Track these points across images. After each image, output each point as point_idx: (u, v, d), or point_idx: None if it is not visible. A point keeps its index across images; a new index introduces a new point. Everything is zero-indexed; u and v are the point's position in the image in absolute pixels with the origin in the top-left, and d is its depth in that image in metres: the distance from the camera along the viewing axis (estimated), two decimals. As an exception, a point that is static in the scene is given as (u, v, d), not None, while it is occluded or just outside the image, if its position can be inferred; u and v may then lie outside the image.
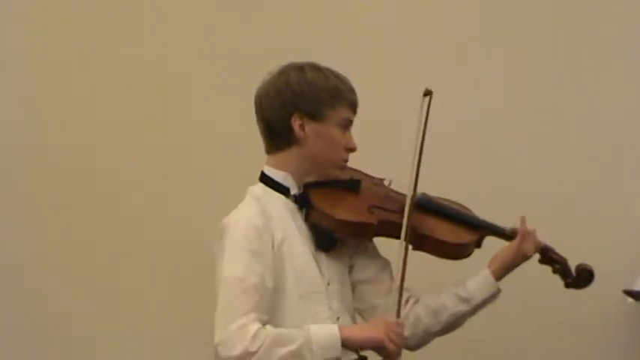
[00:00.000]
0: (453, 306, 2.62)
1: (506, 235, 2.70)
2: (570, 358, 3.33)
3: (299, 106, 2.55)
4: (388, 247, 2.65)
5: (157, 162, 3.57)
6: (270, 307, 2.45)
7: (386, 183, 2.73)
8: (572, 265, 2.74)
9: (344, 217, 2.57)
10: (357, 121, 2.64)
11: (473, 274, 2.66)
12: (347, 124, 2.60)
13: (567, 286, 2.72)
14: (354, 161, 2.67)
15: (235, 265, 2.44)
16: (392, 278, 2.63)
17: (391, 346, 2.44)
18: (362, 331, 2.48)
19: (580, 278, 2.71)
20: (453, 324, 2.65)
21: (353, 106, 2.61)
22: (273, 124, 2.58)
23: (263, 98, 2.60)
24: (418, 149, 2.55)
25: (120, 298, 3.57)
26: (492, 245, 2.73)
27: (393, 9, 3.44)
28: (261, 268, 2.45)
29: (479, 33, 3.41)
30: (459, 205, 2.77)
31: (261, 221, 2.50)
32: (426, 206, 2.68)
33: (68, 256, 3.59)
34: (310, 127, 2.55)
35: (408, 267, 2.50)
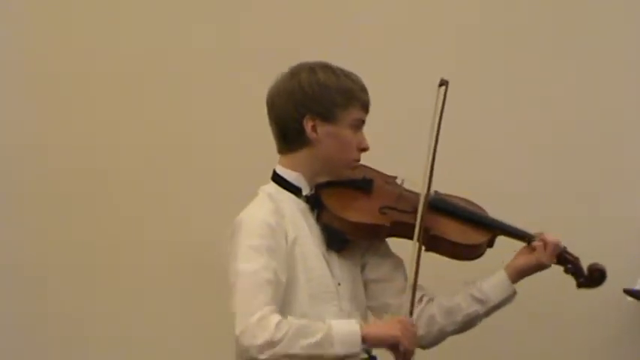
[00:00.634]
0: (467, 307, 2.63)
1: (519, 235, 2.69)
2: (570, 357, 3.33)
3: (311, 108, 2.55)
4: (401, 246, 2.65)
5: (157, 162, 3.56)
6: (282, 302, 2.45)
7: (398, 181, 2.72)
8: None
9: (355, 218, 2.56)
10: (368, 119, 2.63)
11: (485, 272, 2.66)
12: (359, 125, 2.60)
13: (579, 286, 2.71)
14: (366, 159, 2.67)
15: (250, 260, 2.44)
16: (405, 277, 2.63)
17: (407, 345, 2.44)
18: (380, 328, 2.48)
19: (592, 278, 2.70)
20: (467, 324, 2.65)
21: (365, 107, 2.60)
22: (285, 126, 2.58)
23: (275, 100, 2.60)
24: (433, 142, 2.56)
25: (120, 298, 3.56)
26: (505, 244, 2.73)
27: (400, 5, 3.44)
28: (275, 263, 2.45)
29: (483, 33, 3.43)
30: (471, 203, 2.76)
31: (275, 219, 2.50)
32: (438, 206, 2.67)
33: (68, 256, 3.58)
34: (322, 129, 2.55)
35: (420, 265, 2.50)
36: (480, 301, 2.62)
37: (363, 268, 2.69)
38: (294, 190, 2.59)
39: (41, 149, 3.61)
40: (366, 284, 2.69)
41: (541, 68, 3.39)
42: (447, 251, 2.64)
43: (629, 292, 2.88)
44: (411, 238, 2.54)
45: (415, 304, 2.55)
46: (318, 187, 2.62)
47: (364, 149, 2.61)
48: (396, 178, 2.73)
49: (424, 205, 2.55)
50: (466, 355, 3.21)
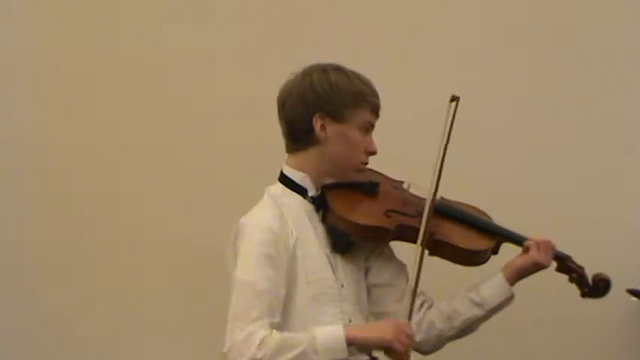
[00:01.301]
0: (466, 311, 2.63)
1: (523, 243, 2.68)
2: (574, 357, 3.35)
3: (321, 107, 2.55)
4: (404, 250, 2.65)
5: (157, 162, 3.56)
6: (281, 309, 2.45)
7: (405, 186, 2.72)
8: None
9: (361, 221, 2.56)
10: (377, 123, 2.64)
11: (487, 277, 2.66)
12: (368, 128, 2.60)
13: (583, 295, 2.71)
14: (374, 163, 2.67)
15: (249, 269, 2.44)
16: (407, 283, 2.63)
17: (400, 348, 2.44)
18: (369, 331, 2.47)
19: (597, 288, 2.70)
20: (466, 329, 2.66)
21: (375, 110, 2.61)
22: (295, 125, 2.58)
23: (286, 99, 2.60)
24: (441, 155, 2.57)
25: (120, 298, 3.56)
26: (508, 251, 2.73)
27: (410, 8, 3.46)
28: (274, 273, 2.45)
29: (483, 33, 3.45)
30: (476, 209, 2.76)
31: (278, 224, 2.49)
32: (443, 211, 2.67)
33: (68, 256, 3.57)
34: (331, 128, 2.56)
35: (422, 269, 2.51)
36: (479, 305, 2.62)
37: (366, 272, 2.69)
38: (301, 191, 2.59)
39: (41, 149, 3.60)
40: (368, 289, 2.69)
41: (541, 69, 3.40)
42: (450, 256, 2.64)
43: (633, 292, 2.89)
44: (415, 242, 2.54)
45: (416, 309, 2.55)
46: (325, 189, 2.62)
47: (372, 153, 2.61)
48: (402, 182, 2.74)
49: (430, 209, 2.55)
50: (469, 354, 3.21)
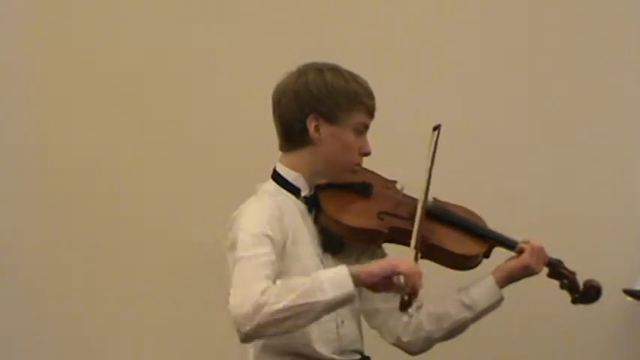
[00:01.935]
0: (456, 313, 2.62)
1: (515, 248, 2.67)
2: (571, 357, 3.34)
3: (316, 108, 2.53)
4: (398, 251, 2.62)
5: (157, 162, 3.56)
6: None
7: (398, 187, 2.70)
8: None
9: (353, 223, 2.54)
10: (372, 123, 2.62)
11: (477, 280, 2.65)
12: (363, 129, 2.58)
13: (574, 301, 2.71)
14: (368, 164, 2.66)
15: (249, 247, 2.39)
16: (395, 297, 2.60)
17: (409, 270, 2.34)
18: (372, 264, 2.39)
19: (588, 294, 2.69)
20: (455, 330, 2.65)
21: (370, 112, 2.58)
22: (289, 124, 2.56)
23: (281, 98, 2.58)
24: (426, 180, 2.57)
25: (120, 298, 3.56)
26: (500, 254, 2.72)
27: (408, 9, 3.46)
28: (273, 250, 2.40)
29: (483, 33, 3.44)
30: (468, 211, 2.75)
31: (275, 213, 2.48)
32: (436, 214, 2.66)
33: (68, 256, 3.58)
34: (325, 129, 2.54)
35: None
36: (468, 307, 2.61)
37: None
38: (293, 190, 2.58)
39: (41, 149, 3.61)
40: (360, 289, 2.61)
41: (540, 68, 3.40)
42: (443, 260, 2.62)
43: (630, 293, 2.89)
44: (407, 244, 2.51)
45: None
46: (318, 189, 2.60)
47: (366, 154, 2.59)
48: (396, 182, 2.72)
49: (421, 217, 2.53)
50: (465, 356, 3.21)
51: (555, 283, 2.72)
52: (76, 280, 3.58)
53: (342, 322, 2.55)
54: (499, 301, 2.63)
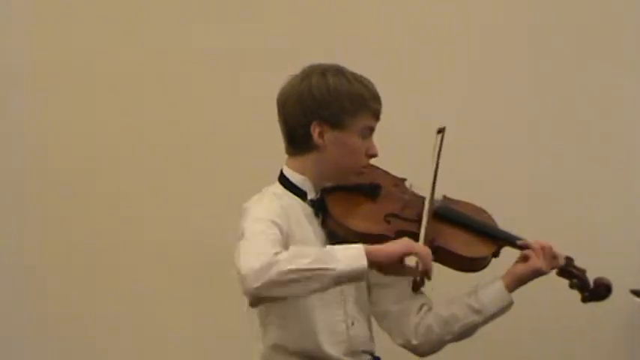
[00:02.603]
0: (464, 317, 2.60)
1: (524, 248, 2.65)
2: (579, 358, 3.35)
3: (319, 114, 2.50)
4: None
5: (157, 162, 3.56)
6: None
7: (407, 185, 2.67)
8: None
9: (359, 228, 2.51)
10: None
11: (485, 279, 2.64)
12: (368, 132, 2.55)
13: (584, 300, 2.68)
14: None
15: (259, 226, 2.36)
16: (408, 283, 2.55)
17: (422, 251, 2.35)
18: (386, 245, 2.36)
19: (598, 292, 2.67)
20: (464, 333, 2.63)
21: (376, 115, 2.55)
22: (293, 129, 2.54)
23: (286, 102, 2.55)
24: (432, 181, 2.55)
25: (120, 298, 3.56)
26: (510, 253, 2.71)
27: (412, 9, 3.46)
28: (280, 234, 2.38)
29: (483, 32, 3.44)
30: (478, 209, 2.72)
31: (279, 215, 2.45)
32: (444, 215, 2.63)
33: (68, 256, 3.57)
34: (330, 135, 2.51)
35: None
36: (477, 312, 2.60)
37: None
38: (300, 193, 2.56)
39: (41, 149, 3.60)
40: (368, 288, 2.65)
41: (541, 68, 3.41)
42: (451, 263, 2.59)
43: (637, 293, 2.88)
44: None
45: (415, 311, 2.52)
46: (324, 192, 2.58)
47: (373, 155, 2.56)
48: (405, 180, 2.68)
49: (428, 221, 2.50)
50: (472, 355, 3.21)
51: (563, 283, 2.70)
52: (76, 280, 3.57)
53: (353, 323, 2.55)
54: (508, 306, 2.62)
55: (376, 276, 2.61)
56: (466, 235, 2.63)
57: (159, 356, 3.55)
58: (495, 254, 2.66)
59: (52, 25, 3.61)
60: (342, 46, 3.35)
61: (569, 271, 2.67)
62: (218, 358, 3.47)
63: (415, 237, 2.48)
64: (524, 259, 2.63)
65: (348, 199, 2.58)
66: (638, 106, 3.38)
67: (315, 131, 2.51)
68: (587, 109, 3.40)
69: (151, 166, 3.57)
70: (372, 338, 2.63)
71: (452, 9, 3.46)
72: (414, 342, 2.61)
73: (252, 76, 3.44)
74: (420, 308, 2.63)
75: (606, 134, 3.38)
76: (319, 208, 2.56)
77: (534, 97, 3.41)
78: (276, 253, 2.26)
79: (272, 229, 2.38)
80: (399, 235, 2.52)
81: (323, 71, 2.53)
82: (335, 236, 2.54)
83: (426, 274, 2.36)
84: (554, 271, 2.68)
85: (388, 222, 2.56)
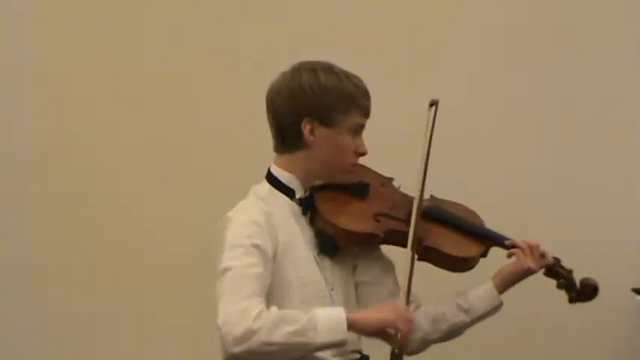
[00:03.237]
0: (453, 316, 2.60)
1: (511, 248, 2.65)
2: (579, 356, 3.32)
3: (310, 111, 2.49)
4: (395, 253, 2.63)
5: (157, 162, 3.57)
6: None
7: (395, 184, 2.67)
8: (581, 272, 2.70)
9: (349, 226, 2.51)
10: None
11: (475, 280, 2.64)
12: (358, 129, 2.54)
13: (571, 300, 2.68)
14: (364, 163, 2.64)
15: (237, 257, 2.38)
16: (395, 281, 2.61)
17: (403, 328, 2.37)
18: (369, 313, 2.39)
19: (584, 293, 2.67)
20: (452, 333, 2.63)
21: (366, 112, 2.54)
22: (283, 126, 2.53)
23: (275, 98, 2.54)
24: (424, 161, 2.52)
25: (120, 298, 3.56)
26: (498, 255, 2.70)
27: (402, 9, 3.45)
28: (262, 261, 2.39)
29: (483, 32, 3.44)
30: (466, 209, 2.72)
31: (264, 219, 2.45)
32: (433, 215, 2.62)
33: (68, 256, 3.58)
34: (320, 132, 2.50)
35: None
36: (466, 311, 2.59)
37: (353, 270, 2.65)
38: (288, 192, 2.55)
39: (42, 149, 3.61)
40: (356, 286, 2.64)
41: (541, 68, 3.40)
42: (439, 262, 2.60)
43: (638, 291, 2.87)
44: (404, 246, 2.49)
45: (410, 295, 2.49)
46: (313, 190, 2.57)
47: (362, 154, 2.56)
48: (392, 179, 2.69)
49: (417, 219, 2.49)
50: (474, 355, 3.21)
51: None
52: (76, 280, 3.58)
53: None
54: (498, 307, 2.61)
55: (363, 274, 2.65)
56: (454, 234, 2.63)
57: (159, 356, 3.55)
58: (484, 254, 2.66)
59: (52, 25, 3.62)
60: (341, 47, 3.35)
61: (556, 271, 2.67)
62: (218, 358, 3.46)
63: (405, 236, 2.49)
64: (512, 258, 2.63)
65: (337, 198, 2.57)
66: (639, 106, 3.35)
67: (305, 128, 2.50)
68: (587, 110, 3.38)
69: (151, 166, 3.57)
70: (359, 337, 2.59)
71: (452, 9, 3.44)
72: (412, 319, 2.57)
73: (252, 76, 3.42)
74: (409, 306, 2.59)
75: (607, 134, 3.36)
76: (307, 206, 2.56)
77: (534, 97, 3.40)
78: (258, 316, 2.26)
79: (250, 257, 2.37)
80: (389, 234, 2.54)
81: (313, 68, 2.53)
82: (323, 235, 2.54)
83: (403, 346, 2.39)
84: (541, 272, 2.67)
85: (378, 221, 2.56)
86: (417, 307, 2.63)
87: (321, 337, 2.30)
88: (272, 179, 2.57)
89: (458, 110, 3.27)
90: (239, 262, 2.37)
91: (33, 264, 3.60)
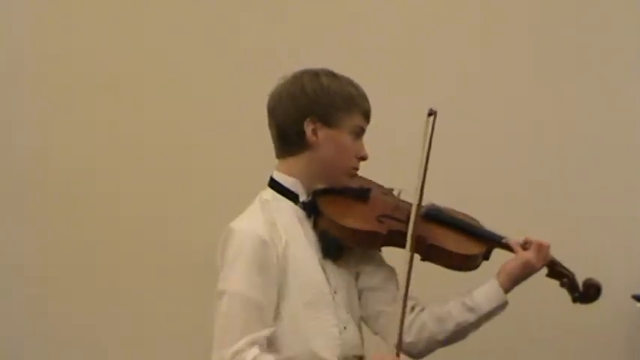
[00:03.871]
0: (458, 314, 2.59)
1: (513, 249, 2.66)
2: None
3: (313, 111, 2.52)
4: (396, 257, 2.63)
5: (157, 162, 3.56)
6: (273, 316, 2.45)
7: (395, 193, 2.70)
8: (580, 278, 2.70)
9: (353, 225, 2.54)
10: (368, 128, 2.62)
11: (478, 282, 2.63)
12: (359, 132, 2.58)
13: (574, 300, 2.68)
14: (363, 171, 2.66)
15: (238, 279, 2.42)
16: (397, 287, 2.62)
17: None
18: None
19: (587, 294, 2.67)
20: (457, 333, 2.62)
21: (366, 115, 2.58)
22: (285, 129, 2.55)
23: (276, 103, 2.57)
24: (423, 167, 2.53)
25: (120, 298, 3.56)
26: (500, 257, 2.70)
27: (403, 19, 3.46)
28: (265, 280, 2.43)
29: (483, 31, 3.43)
30: (467, 216, 2.74)
31: (268, 232, 2.47)
32: (434, 216, 2.66)
33: (68, 256, 3.58)
34: (323, 132, 2.53)
35: (414, 276, 2.48)
36: (471, 310, 2.59)
37: (357, 276, 2.67)
38: (291, 196, 2.57)
39: (42, 149, 3.61)
40: (360, 292, 2.66)
41: (542, 68, 3.40)
42: (443, 261, 2.62)
43: (639, 298, 2.87)
44: (405, 247, 2.51)
45: (407, 312, 2.51)
46: (316, 194, 2.59)
47: (363, 158, 2.59)
48: (392, 190, 2.72)
49: (416, 214, 2.51)
50: (469, 354, 3.21)
51: (559, 289, 2.69)
52: (76, 280, 3.58)
53: (345, 327, 2.56)
54: (503, 305, 2.60)
55: (367, 280, 2.67)
56: (456, 234, 2.66)
57: (159, 356, 3.55)
58: (486, 256, 2.68)
59: (52, 25, 3.61)
60: (341, 47, 3.38)
61: (559, 271, 2.68)
62: (218, 359, 3.46)
63: (406, 236, 2.50)
64: (515, 255, 2.63)
65: (340, 201, 2.60)
66: (639, 106, 3.35)
67: (308, 128, 2.53)
68: (587, 110, 3.38)
69: (150, 166, 3.57)
70: (362, 343, 2.63)
71: (452, 10, 3.44)
72: (408, 339, 2.60)
73: (252, 76, 3.43)
74: (413, 308, 2.63)
75: (607, 134, 3.36)
76: (311, 209, 2.58)
77: (534, 97, 3.40)
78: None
79: (252, 282, 2.41)
80: (392, 234, 2.57)
81: (314, 72, 2.58)
82: (327, 237, 2.56)
83: None
84: (544, 273, 2.68)
85: (381, 222, 2.59)
86: (422, 309, 2.65)
87: None
88: (275, 185, 2.59)
89: (458, 111, 3.27)
90: (239, 287, 2.42)
91: (33, 264, 3.60)
